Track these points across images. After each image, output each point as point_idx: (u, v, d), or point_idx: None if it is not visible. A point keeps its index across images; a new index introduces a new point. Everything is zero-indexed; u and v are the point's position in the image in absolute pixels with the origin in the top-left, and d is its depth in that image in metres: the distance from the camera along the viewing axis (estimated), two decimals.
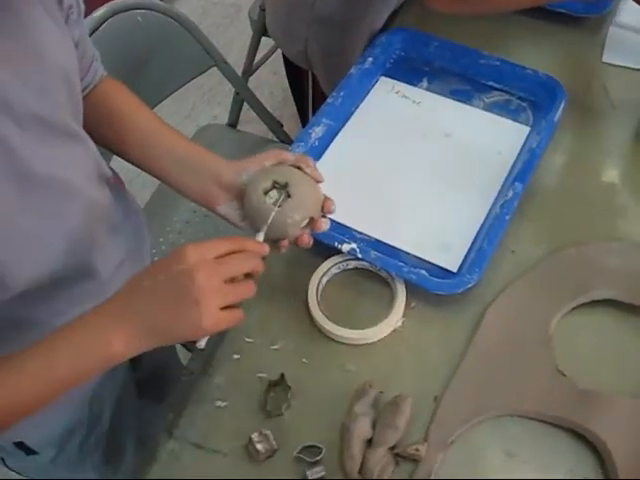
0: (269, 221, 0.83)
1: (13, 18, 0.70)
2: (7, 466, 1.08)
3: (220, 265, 0.72)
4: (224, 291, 0.72)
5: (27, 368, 0.70)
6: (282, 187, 0.85)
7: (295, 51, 1.52)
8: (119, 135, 0.94)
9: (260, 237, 0.82)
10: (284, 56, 1.64)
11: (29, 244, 0.76)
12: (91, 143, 0.86)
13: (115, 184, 0.97)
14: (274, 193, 0.85)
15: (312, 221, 0.86)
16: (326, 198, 0.88)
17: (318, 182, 0.88)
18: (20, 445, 1.00)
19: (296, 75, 1.70)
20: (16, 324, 0.83)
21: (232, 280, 0.74)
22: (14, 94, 0.70)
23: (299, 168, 0.87)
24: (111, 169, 0.97)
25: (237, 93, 1.80)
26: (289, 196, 0.84)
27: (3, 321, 0.82)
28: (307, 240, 0.87)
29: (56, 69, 0.76)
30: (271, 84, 2.75)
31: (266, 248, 0.79)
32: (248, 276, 0.77)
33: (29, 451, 1.01)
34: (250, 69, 2.06)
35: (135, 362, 1.18)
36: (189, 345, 1.50)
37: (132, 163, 0.96)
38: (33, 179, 0.73)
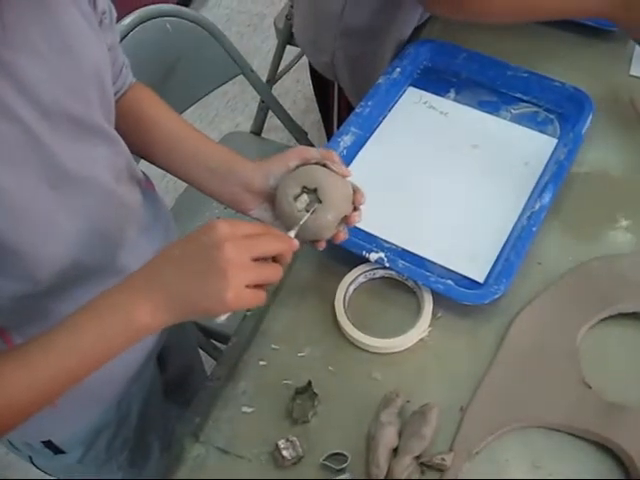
0: (301, 223, 0.83)
1: (48, 18, 0.72)
2: (35, 465, 1.09)
3: (250, 242, 0.72)
4: (251, 268, 0.71)
5: (53, 345, 0.69)
6: (311, 192, 0.85)
7: (322, 62, 1.52)
8: (145, 140, 0.95)
9: (291, 235, 0.82)
10: (310, 66, 1.65)
11: (60, 239, 0.77)
12: (123, 144, 0.87)
13: (146, 187, 0.98)
14: (304, 197, 0.85)
15: (345, 218, 0.87)
16: (355, 191, 0.88)
17: (345, 177, 0.88)
18: (48, 444, 1.01)
19: (322, 85, 1.70)
20: (43, 317, 0.84)
21: (260, 261, 0.73)
22: (46, 92, 0.71)
23: (324, 165, 0.87)
24: (142, 172, 0.98)
25: (262, 101, 1.81)
26: (319, 201, 0.84)
27: (31, 314, 0.83)
28: (343, 236, 0.89)
29: (89, 69, 0.77)
30: (294, 92, 2.77)
31: (296, 243, 0.79)
32: (275, 262, 0.77)
33: (57, 450, 1.02)
34: (274, 77, 2.07)
35: (162, 363, 1.19)
36: (207, 325, 1.50)
37: (160, 167, 0.97)
38: (64, 176, 0.75)
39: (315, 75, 1.67)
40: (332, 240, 0.88)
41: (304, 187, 0.85)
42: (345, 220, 0.87)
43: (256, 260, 0.72)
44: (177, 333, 1.14)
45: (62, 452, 1.03)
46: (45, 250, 0.75)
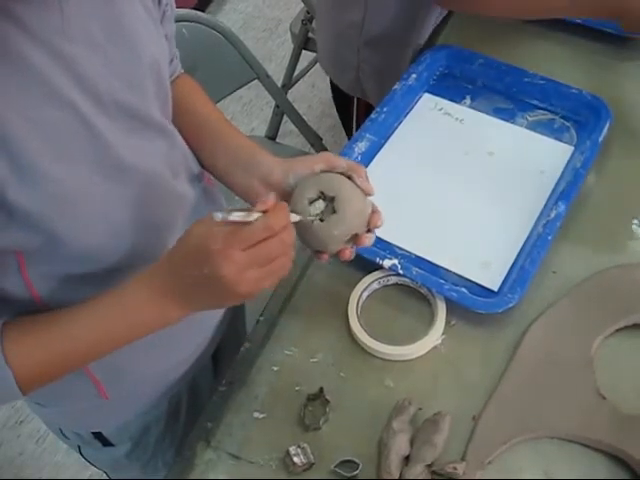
0: (309, 219, 0.81)
1: (108, 10, 0.73)
2: (82, 455, 1.11)
3: (249, 258, 0.70)
4: (259, 277, 0.72)
5: (83, 329, 0.76)
6: (328, 199, 0.82)
7: (347, 79, 1.51)
8: (181, 125, 0.93)
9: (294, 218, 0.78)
10: (332, 83, 1.64)
11: (109, 228, 0.78)
12: (179, 138, 0.88)
13: (207, 183, 0.99)
14: (320, 204, 0.82)
15: (355, 236, 0.84)
16: (374, 212, 0.85)
17: (368, 195, 0.85)
18: (98, 435, 1.02)
19: (344, 101, 1.68)
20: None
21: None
22: (103, 83, 0.72)
23: (350, 177, 0.84)
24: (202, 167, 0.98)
25: (277, 106, 1.81)
26: (334, 211, 0.81)
27: (74, 297, 0.81)
28: (349, 254, 0.85)
29: (147, 62, 0.78)
30: (309, 97, 2.77)
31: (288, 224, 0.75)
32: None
33: (106, 442, 1.04)
34: (290, 82, 2.08)
35: (217, 367, 1.18)
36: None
37: (193, 153, 0.96)
38: (118, 167, 0.75)
39: (337, 91, 1.65)
40: (337, 256, 0.85)
41: (322, 193, 0.82)
42: (355, 239, 0.84)
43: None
44: (232, 338, 1.15)
45: (111, 444, 1.04)
46: (92, 238, 0.76)
